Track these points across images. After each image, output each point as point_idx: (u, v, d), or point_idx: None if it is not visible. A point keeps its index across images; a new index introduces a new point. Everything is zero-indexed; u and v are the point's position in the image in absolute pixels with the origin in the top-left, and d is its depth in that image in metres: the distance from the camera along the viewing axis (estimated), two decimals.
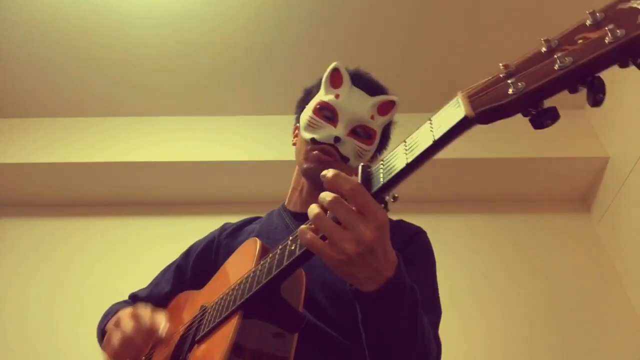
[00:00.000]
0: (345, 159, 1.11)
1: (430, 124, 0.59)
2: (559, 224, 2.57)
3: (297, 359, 0.76)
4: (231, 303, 0.78)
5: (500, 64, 0.52)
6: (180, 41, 2.43)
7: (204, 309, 0.91)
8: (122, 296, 1.25)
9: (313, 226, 0.64)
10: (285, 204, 1.21)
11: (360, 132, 1.14)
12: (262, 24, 2.38)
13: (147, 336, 0.87)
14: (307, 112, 1.16)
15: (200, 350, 0.81)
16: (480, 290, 2.37)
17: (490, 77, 0.54)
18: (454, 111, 0.55)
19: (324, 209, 0.63)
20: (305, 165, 1.12)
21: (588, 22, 0.48)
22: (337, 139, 1.09)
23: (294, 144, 1.22)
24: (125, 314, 0.90)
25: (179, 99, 2.68)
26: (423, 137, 0.58)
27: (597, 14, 0.47)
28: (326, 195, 0.63)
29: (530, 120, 0.50)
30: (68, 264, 2.52)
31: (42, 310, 2.37)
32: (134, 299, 1.19)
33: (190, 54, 2.48)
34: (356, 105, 1.14)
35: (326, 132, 1.11)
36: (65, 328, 2.25)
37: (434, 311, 0.96)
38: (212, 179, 2.64)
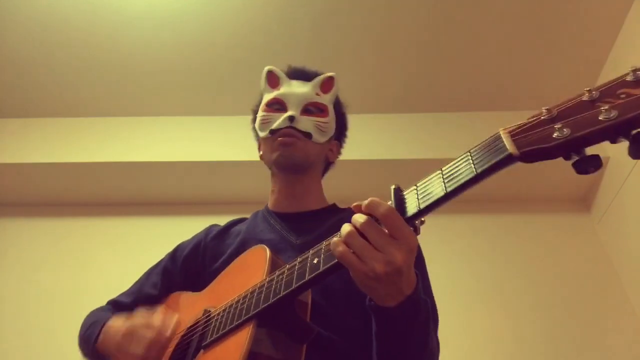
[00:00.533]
0: (307, 135, 1.15)
1: (470, 156, 0.61)
2: (559, 224, 2.58)
3: None
4: (244, 311, 0.78)
5: (543, 108, 0.56)
6: (180, 41, 2.43)
7: (209, 314, 0.90)
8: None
9: (344, 240, 0.66)
10: (268, 205, 1.22)
11: (312, 109, 1.19)
12: (262, 24, 2.38)
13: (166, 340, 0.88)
14: (259, 116, 1.21)
15: (209, 356, 0.80)
16: (480, 290, 2.37)
17: (533, 119, 0.57)
18: (497, 147, 0.58)
19: (356, 229, 0.65)
20: (273, 157, 1.15)
21: (629, 78, 0.52)
22: (291, 118, 1.14)
23: (261, 158, 1.24)
24: (138, 324, 0.90)
25: (179, 99, 2.68)
26: (464, 169, 0.61)
27: (638, 72, 0.51)
28: (359, 217, 0.66)
29: (574, 165, 0.54)
30: (68, 264, 2.52)
31: (41, 310, 2.37)
32: (116, 305, 1.14)
33: (190, 54, 2.48)
34: (299, 89, 1.20)
35: (280, 118, 1.15)
36: (65, 328, 2.24)
37: (434, 316, 0.96)
38: (212, 179, 2.63)
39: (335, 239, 0.67)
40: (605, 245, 2.46)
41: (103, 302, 1.20)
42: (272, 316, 0.75)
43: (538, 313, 2.29)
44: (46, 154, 2.60)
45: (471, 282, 2.39)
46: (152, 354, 0.86)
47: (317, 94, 1.20)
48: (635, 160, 2.22)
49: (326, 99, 1.21)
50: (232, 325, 0.78)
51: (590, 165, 0.53)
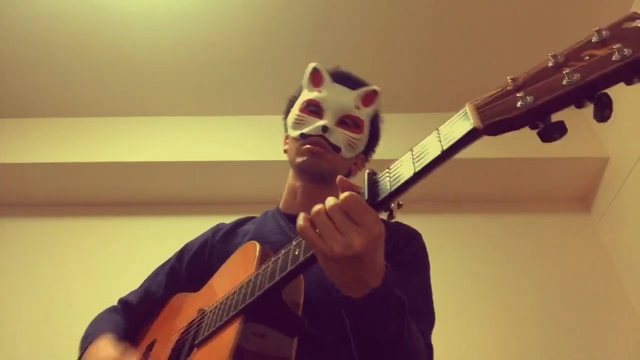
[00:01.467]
0: (336, 149, 1.12)
1: (438, 133, 0.60)
2: (559, 224, 2.57)
3: None
4: (232, 307, 0.78)
5: (508, 77, 0.54)
6: (180, 41, 2.43)
7: (203, 313, 0.90)
8: (121, 296, 1.23)
9: (310, 217, 0.67)
10: (280, 206, 1.21)
11: (348, 121, 1.16)
12: (262, 24, 2.38)
13: None
14: (294, 112, 1.18)
15: (200, 354, 0.80)
16: (480, 291, 2.37)
17: (498, 90, 0.55)
18: (462, 122, 0.56)
19: (324, 210, 0.65)
20: (298, 160, 1.12)
21: (594, 39, 0.49)
22: (324, 128, 1.11)
23: (285, 151, 1.22)
24: None
25: (179, 99, 2.68)
26: (431, 147, 0.59)
27: (603, 32, 0.49)
28: (329, 200, 0.66)
29: (539, 134, 0.52)
30: (68, 263, 2.52)
31: (41, 310, 2.37)
32: (125, 305, 1.16)
33: (190, 54, 2.48)
34: (340, 97, 1.16)
35: (314, 124, 1.13)
36: (65, 328, 2.25)
37: (427, 318, 0.95)
38: (211, 179, 2.63)
39: (302, 213, 0.68)
40: (605, 245, 2.46)
41: (103, 302, 1.20)
42: (259, 310, 0.75)
43: (538, 313, 2.28)
44: (46, 154, 2.60)
45: (471, 282, 2.39)
46: None
47: (357, 107, 1.16)
48: (635, 160, 2.22)
49: (364, 114, 1.17)
50: (221, 322, 0.78)
51: (556, 132, 0.51)
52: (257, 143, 2.60)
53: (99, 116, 2.73)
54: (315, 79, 1.20)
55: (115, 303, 1.19)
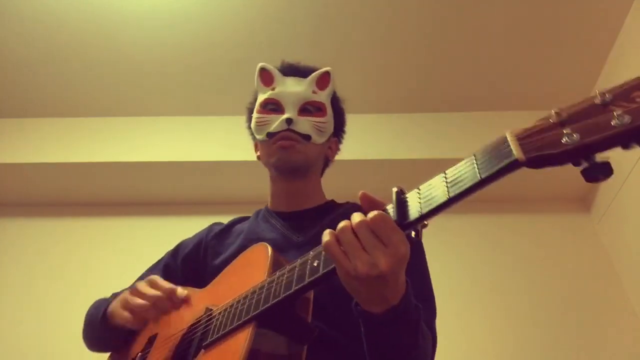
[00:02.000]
0: (306, 137, 1.12)
1: (475, 160, 0.58)
2: (559, 224, 2.58)
3: None
4: (244, 312, 0.78)
5: (553, 110, 0.52)
6: (180, 41, 2.43)
7: (210, 312, 0.89)
8: None
9: (336, 233, 0.66)
10: (269, 206, 1.22)
11: (310, 108, 1.15)
12: (262, 24, 2.38)
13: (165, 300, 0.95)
14: (254, 117, 1.18)
15: (209, 356, 0.79)
16: (480, 290, 2.37)
17: (541, 122, 0.54)
18: (503, 151, 0.55)
19: (351, 226, 0.65)
20: (271, 161, 1.13)
21: None
22: (289, 121, 1.11)
23: (259, 158, 1.22)
24: (141, 283, 0.98)
25: (179, 99, 2.68)
26: (468, 174, 0.58)
27: None
28: (356, 216, 0.65)
29: (583, 173, 0.51)
30: (67, 263, 2.52)
31: (41, 310, 2.37)
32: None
33: (190, 54, 2.48)
34: (294, 87, 1.16)
35: (277, 121, 1.13)
36: (65, 328, 2.25)
37: (430, 306, 0.96)
38: (211, 179, 2.63)
39: (328, 230, 0.67)
40: (605, 245, 2.46)
41: None
42: (271, 318, 0.75)
43: (538, 313, 2.29)
44: (46, 154, 2.60)
45: (471, 282, 2.39)
46: (159, 304, 0.93)
47: (314, 92, 1.16)
48: (635, 160, 2.22)
49: (323, 97, 1.18)
50: (232, 326, 0.78)
51: (600, 173, 0.50)
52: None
53: (99, 116, 2.73)
54: (265, 78, 1.20)
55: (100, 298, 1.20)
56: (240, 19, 2.36)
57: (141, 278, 1.20)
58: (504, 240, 2.52)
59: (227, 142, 2.62)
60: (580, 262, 2.43)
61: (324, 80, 1.19)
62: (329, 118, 1.17)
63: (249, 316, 0.76)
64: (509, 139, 0.55)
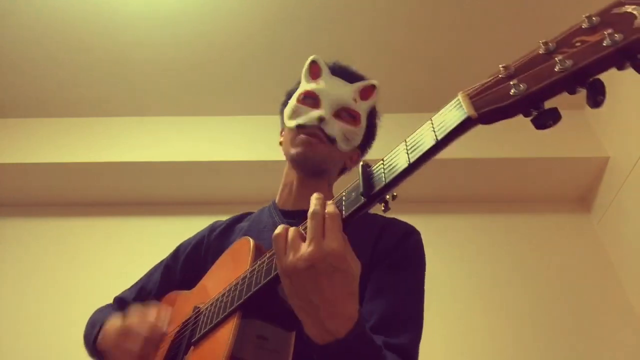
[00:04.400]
0: (332, 140, 1.11)
1: (432, 124, 0.59)
2: (559, 224, 2.58)
3: (297, 357, 0.75)
4: (228, 304, 0.78)
5: (500, 65, 0.53)
6: (180, 41, 2.43)
7: (198, 310, 0.89)
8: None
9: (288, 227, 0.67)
10: (276, 201, 1.20)
11: (345, 114, 1.15)
12: (262, 24, 2.38)
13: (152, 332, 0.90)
14: (291, 103, 1.17)
15: (198, 352, 0.80)
16: (480, 290, 2.37)
17: (490, 78, 0.55)
18: (456, 111, 0.56)
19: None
20: (292, 152, 1.12)
21: (584, 25, 0.50)
22: (321, 119, 1.10)
23: (281, 144, 1.21)
24: (134, 322, 0.92)
25: (179, 99, 2.68)
26: (425, 137, 0.59)
27: (593, 18, 0.49)
28: (315, 201, 0.67)
29: (533, 121, 0.51)
30: (68, 263, 2.52)
31: (41, 310, 2.37)
32: (120, 302, 1.16)
33: (190, 54, 2.48)
34: (337, 89, 1.16)
35: (310, 115, 1.12)
36: (65, 327, 2.25)
37: (411, 327, 0.90)
38: (212, 179, 2.64)
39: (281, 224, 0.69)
40: (605, 245, 2.46)
41: (102, 303, 1.20)
42: (256, 306, 0.74)
43: (538, 313, 2.29)
44: (46, 154, 2.60)
45: (471, 282, 2.39)
46: (147, 351, 0.88)
47: (355, 100, 1.15)
48: (635, 160, 2.22)
49: (362, 107, 1.17)
50: (217, 319, 0.78)
51: (549, 119, 0.50)
52: (257, 143, 2.60)
53: (99, 116, 2.73)
54: (314, 71, 1.19)
55: (102, 306, 1.19)
56: (240, 19, 2.36)
57: (143, 278, 1.20)
58: (504, 241, 2.52)
59: (227, 142, 2.63)
60: (580, 262, 2.43)
61: (368, 91, 1.19)
62: (360, 130, 1.16)
63: (233, 307, 0.76)
64: (460, 98, 0.56)
